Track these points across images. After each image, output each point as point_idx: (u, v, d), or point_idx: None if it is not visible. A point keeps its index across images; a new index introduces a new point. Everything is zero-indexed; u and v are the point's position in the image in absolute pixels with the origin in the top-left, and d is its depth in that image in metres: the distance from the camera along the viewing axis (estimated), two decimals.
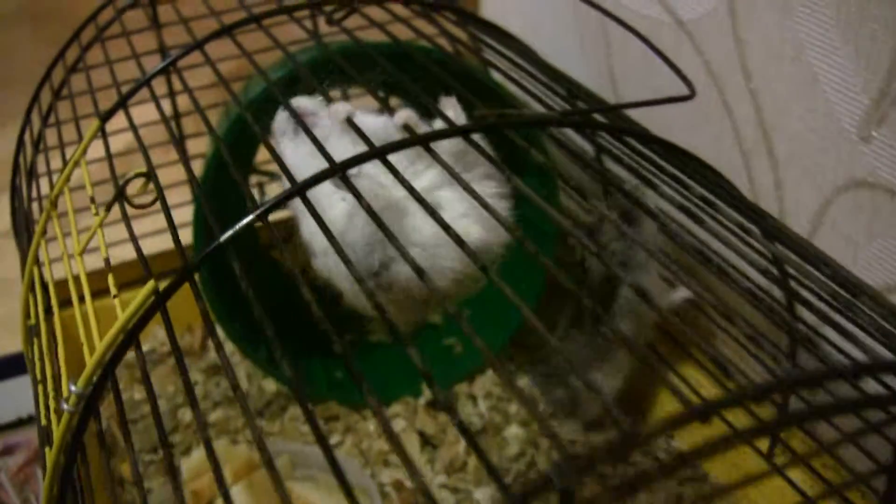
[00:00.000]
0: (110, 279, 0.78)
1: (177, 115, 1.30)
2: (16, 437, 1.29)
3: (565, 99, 0.91)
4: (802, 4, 0.93)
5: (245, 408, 0.61)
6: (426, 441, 1.20)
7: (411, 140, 0.72)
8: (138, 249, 0.78)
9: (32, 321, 0.97)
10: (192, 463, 1.10)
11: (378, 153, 0.70)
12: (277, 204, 0.70)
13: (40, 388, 0.89)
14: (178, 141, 0.89)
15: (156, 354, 1.34)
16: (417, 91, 0.80)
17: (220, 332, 1.33)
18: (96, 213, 0.87)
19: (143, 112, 0.98)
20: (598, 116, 0.93)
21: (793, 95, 0.98)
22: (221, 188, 1.11)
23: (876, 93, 0.89)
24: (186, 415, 1.24)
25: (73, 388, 0.71)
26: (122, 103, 0.96)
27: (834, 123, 0.94)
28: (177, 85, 1.23)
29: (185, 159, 0.85)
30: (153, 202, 0.84)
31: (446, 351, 1.33)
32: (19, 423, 1.34)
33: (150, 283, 0.72)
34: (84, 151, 0.95)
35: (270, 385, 1.27)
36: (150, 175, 0.84)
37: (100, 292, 0.80)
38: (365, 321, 1.36)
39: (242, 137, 1.08)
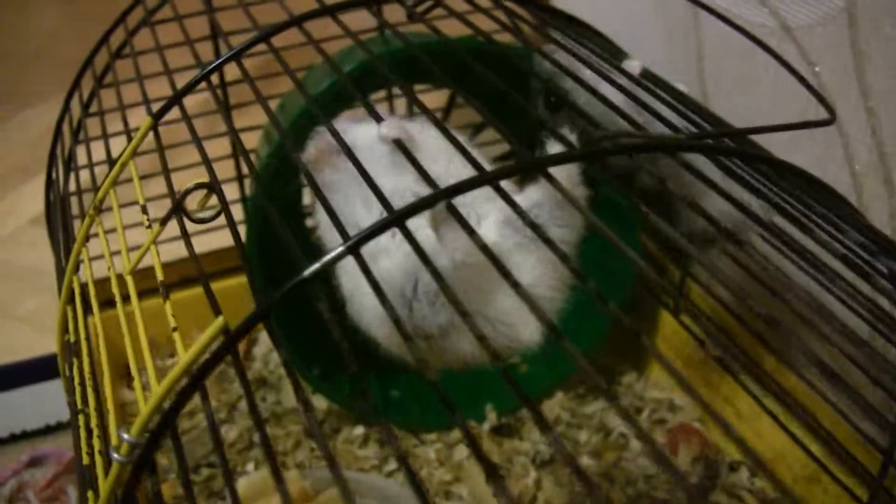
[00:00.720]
0: (168, 309, 0.70)
1: (228, 110, 1.20)
2: (44, 448, 1.19)
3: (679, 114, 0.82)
4: None
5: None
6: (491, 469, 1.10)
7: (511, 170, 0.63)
8: (204, 280, 0.68)
9: (71, 337, 0.88)
10: (241, 490, 1.02)
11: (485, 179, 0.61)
12: (373, 234, 0.60)
13: (81, 419, 0.80)
14: (237, 146, 0.80)
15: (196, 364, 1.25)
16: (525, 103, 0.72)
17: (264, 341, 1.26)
18: (148, 226, 0.78)
19: (188, 103, 0.88)
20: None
21: None
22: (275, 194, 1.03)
23: None
24: (231, 433, 1.15)
25: (124, 435, 0.63)
26: (178, 99, 0.87)
27: None
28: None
29: (240, 168, 0.77)
30: (216, 215, 0.75)
31: (510, 370, 1.23)
32: (47, 431, 1.26)
33: (219, 321, 0.64)
34: (134, 152, 0.87)
35: (321, 402, 1.18)
36: (213, 186, 0.75)
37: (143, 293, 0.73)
38: None
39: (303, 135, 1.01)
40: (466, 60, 0.80)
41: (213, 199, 0.74)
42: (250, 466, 1.11)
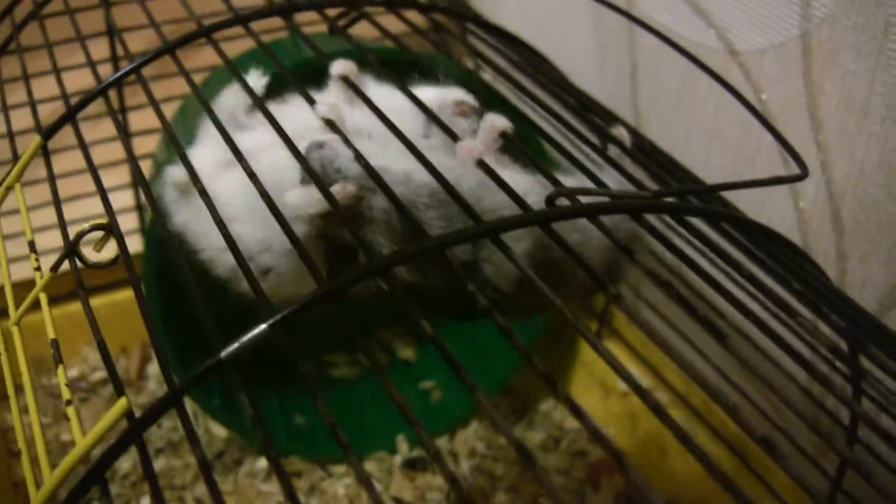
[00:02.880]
0: (61, 376, 0.62)
1: (127, 133, 1.10)
2: None
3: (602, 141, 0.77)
4: None
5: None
6: None
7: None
8: (102, 347, 0.60)
9: None
10: None
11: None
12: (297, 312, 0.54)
13: None
14: (138, 176, 0.71)
15: (86, 383, 1.16)
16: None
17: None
18: (37, 268, 0.70)
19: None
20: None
21: (875, 159, 0.83)
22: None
23: None
24: (124, 463, 1.05)
25: None
26: (71, 117, 0.78)
27: None
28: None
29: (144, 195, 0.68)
30: (114, 261, 0.67)
31: (422, 397, 1.17)
32: None
33: (122, 402, 0.57)
34: (20, 174, 0.78)
35: (221, 430, 1.10)
36: (110, 228, 0.67)
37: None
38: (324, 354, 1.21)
39: None
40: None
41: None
42: (145, 501, 1.02)
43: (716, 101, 0.97)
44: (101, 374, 1.15)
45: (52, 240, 0.75)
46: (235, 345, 0.53)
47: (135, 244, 1.02)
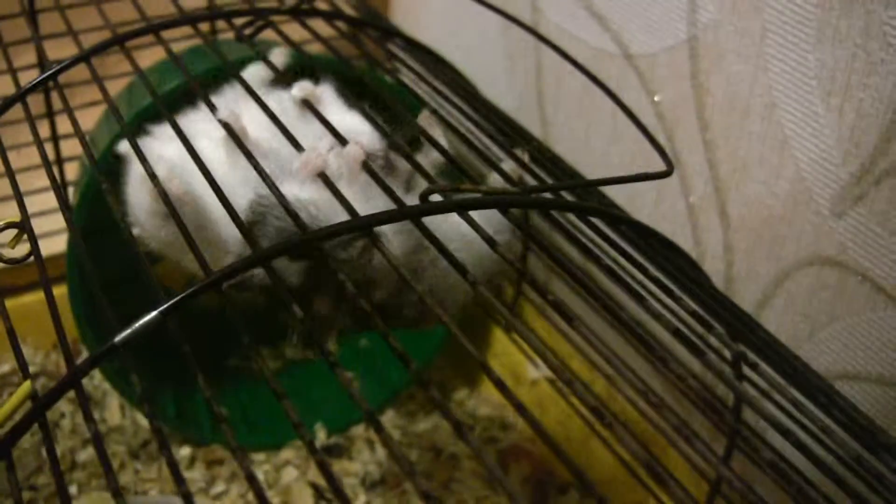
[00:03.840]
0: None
1: (55, 139, 1.13)
2: None
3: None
4: (780, 60, 0.83)
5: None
6: (320, 495, 1.08)
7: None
8: (12, 336, 0.64)
9: None
10: None
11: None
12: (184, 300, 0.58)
13: None
14: (59, 183, 0.75)
15: (18, 378, 1.19)
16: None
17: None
18: None
19: (10, 133, 0.83)
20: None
21: (756, 155, 0.88)
22: (99, 218, 0.99)
23: (857, 168, 0.79)
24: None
25: None
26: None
27: (802, 193, 0.84)
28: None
29: (63, 200, 0.72)
30: (27, 257, 0.71)
31: (341, 387, 1.21)
32: None
33: (26, 385, 0.60)
34: None
35: (145, 421, 1.14)
36: (23, 226, 0.70)
37: None
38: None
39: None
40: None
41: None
42: (73, 489, 1.06)
43: (613, 104, 1.02)
44: (32, 368, 1.18)
45: None
46: (128, 331, 0.57)
47: (59, 244, 1.06)
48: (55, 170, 1.11)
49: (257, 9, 0.88)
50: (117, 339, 0.57)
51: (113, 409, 1.15)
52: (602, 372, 1.07)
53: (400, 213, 0.61)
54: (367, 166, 0.70)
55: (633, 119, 0.78)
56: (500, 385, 0.53)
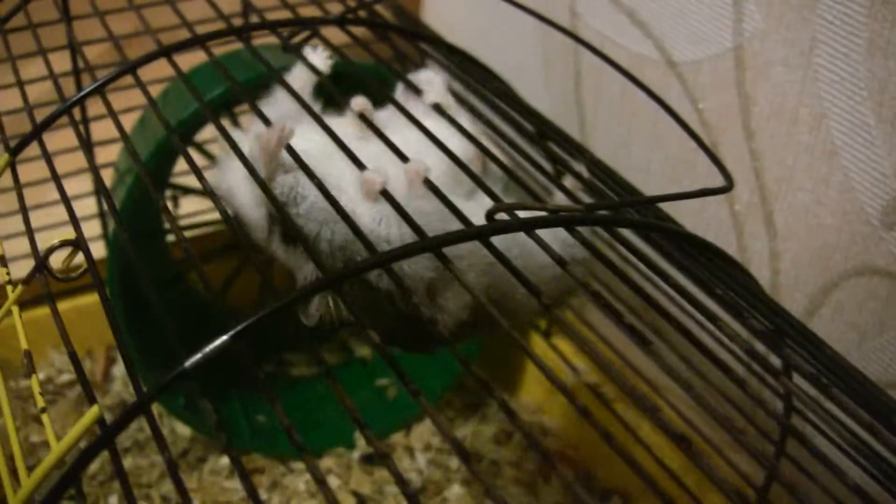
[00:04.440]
0: (35, 386, 0.65)
1: (90, 147, 1.13)
2: None
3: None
4: (830, 70, 0.83)
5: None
6: (362, 503, 1.08)
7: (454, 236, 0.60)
8: (74, 358, 0.64)
9: None
10: None
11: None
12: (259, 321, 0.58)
13: None
14: (101, 188, 0.75)
15: (53, 386, 1.19)
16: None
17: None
18: (8, 282, 0.73)
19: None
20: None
21: (803, 165, 0.88)
22: (137, 226, 0.99)
23: None
24: (92, 465, 1.09)
25: None
26: (37, 134, 0.81)
27: (852, 203, 0.84)
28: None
29: (108, 206, 0.72)
30: (83, 274, 0.71)
31: (378, 393, 1.21)
32: None
33: (94, 410, 0.60)
34: None
35: (185, 429, 1.14)
36: (77, 244, 0.70)
37: None
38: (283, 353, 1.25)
39: (160, 158, 0.99)
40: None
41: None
42: (113, 500, 1.06)
43: (655, 109, 1.01)
44: (67, 376, 1.18)
45: (21, 246, 0.78)
46: (198, 356, 0.57)
47: (98, 249, 1.06)
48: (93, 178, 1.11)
49: (304, 19, 0.87)
50: (187, 363, 0.57)
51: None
52: (644, 377, 1.07)
53: (468, 233, 0.61)
54: (429, 183, 0.70)
55: (689, 132, 0.78)
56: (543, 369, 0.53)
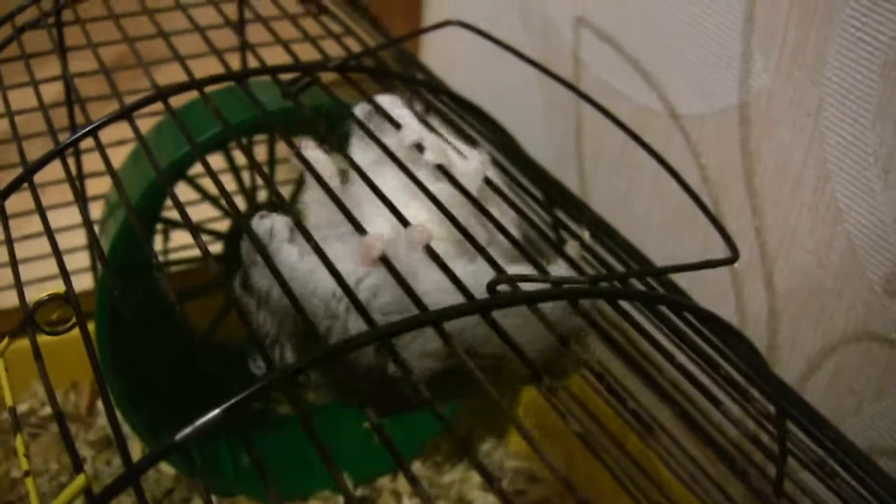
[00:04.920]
0: (20, 446, 0.64)
1: (82, 187, 1.12)
2: None
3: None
4: (837, 133, 0.82)
5: None
6: None
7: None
8: (62, 425, 0.62)
9: None
10: None
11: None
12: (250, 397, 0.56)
13: None
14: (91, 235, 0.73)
15: (35, 418, 1.17)
16: None
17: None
18: None
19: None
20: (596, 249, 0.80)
21: (806, 225, 0.86)
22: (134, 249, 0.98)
23: None
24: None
25: None
26: (28, 176, 0.80)
27: (854, 268, 0.83)
28: None
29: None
30: (72, 327, 0.69)
31: (367, 436, 1.19)
32: None
33: (80, 479, 0.58)
34: None
35: (169, 468, 1.12)
36: (67, 298, 0.68)
37: None
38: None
39: (152, 194, 0.98)
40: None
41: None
42: None
43: (656, 164, 1.00)
44: (48, 409, 1.16)
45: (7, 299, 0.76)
46: (189, 429, 0.56)
47: (86, 280, 1.04)
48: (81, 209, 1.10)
49: (305, 65, 0.86)
50: (178, 437, 0.56)
51: (134, 454, 1.13)
52: (635, 428, 1.06)
53: (470, 307, 0.60)
54: (429, 250, 0.68)
55: (694, 198, 0.77)
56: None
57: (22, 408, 1.17)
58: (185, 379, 1.07)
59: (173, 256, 1.22)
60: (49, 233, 0.75)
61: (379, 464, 1.15)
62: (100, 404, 1.20)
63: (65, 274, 0.70)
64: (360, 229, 0.68)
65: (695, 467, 0.63)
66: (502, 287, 0.62)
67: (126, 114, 0.81)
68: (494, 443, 1.21)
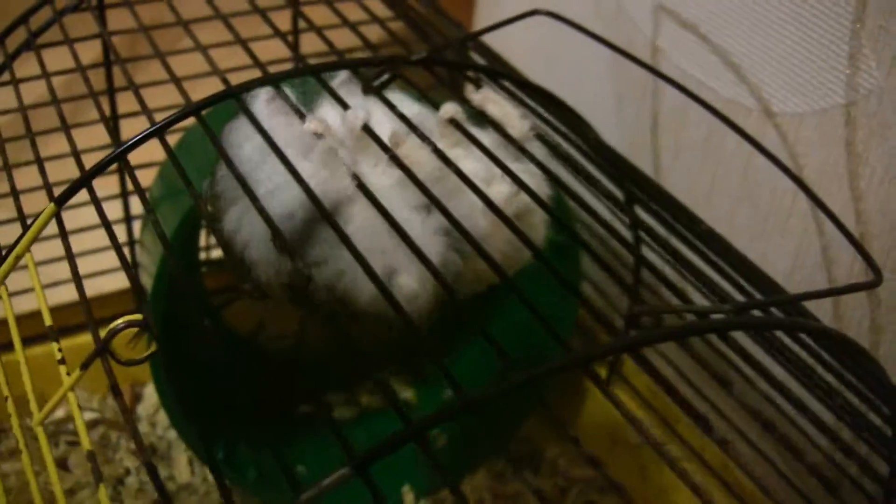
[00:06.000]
0: (103, 499, 0.58)
1: (129, 218, 1.05)
2: None
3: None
4: None
5: None
6: None
7: None
8: (156, 482, 0.56)
9: None
10: None
11: None
12: None
13: None
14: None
15: (73, 425, 1.10)
16: None
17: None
18: (61, 360, 0.65)
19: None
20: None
21: None
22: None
23: None
24: None
25: None
26: (87, 182, 0.73)
27: None
28: None
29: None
30: (149, 357, 0.63)
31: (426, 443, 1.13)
32: None
33: None
34: (31, 243, 0.72)
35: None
36: (145, 324, 0.62)
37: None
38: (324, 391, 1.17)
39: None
40: None
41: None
42: None
43: (745, 160, 0.94)
44: (88, 415, 1.10)
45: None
46: (314, 490, 0.53)
47: None
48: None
49: (389, 58, 0.79)
50: (303, 497, 0.51)
51: (181, 465, 1.07)
52: (714, 438, 1.00)
53: (615, 347, 0.54)
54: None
55: (835, 221, 0.71)
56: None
57: (59, 413, 1.11)
58: (227, 385, 1.01)
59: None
60: (115, 244, 0.68)
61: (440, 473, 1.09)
62: (139, 409, 1.14)
63: (141, 299, 0.64)
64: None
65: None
66: (645, 319, 0.57)
67: (158, 132, 0.74)
68: (560, 450, 1.15)
